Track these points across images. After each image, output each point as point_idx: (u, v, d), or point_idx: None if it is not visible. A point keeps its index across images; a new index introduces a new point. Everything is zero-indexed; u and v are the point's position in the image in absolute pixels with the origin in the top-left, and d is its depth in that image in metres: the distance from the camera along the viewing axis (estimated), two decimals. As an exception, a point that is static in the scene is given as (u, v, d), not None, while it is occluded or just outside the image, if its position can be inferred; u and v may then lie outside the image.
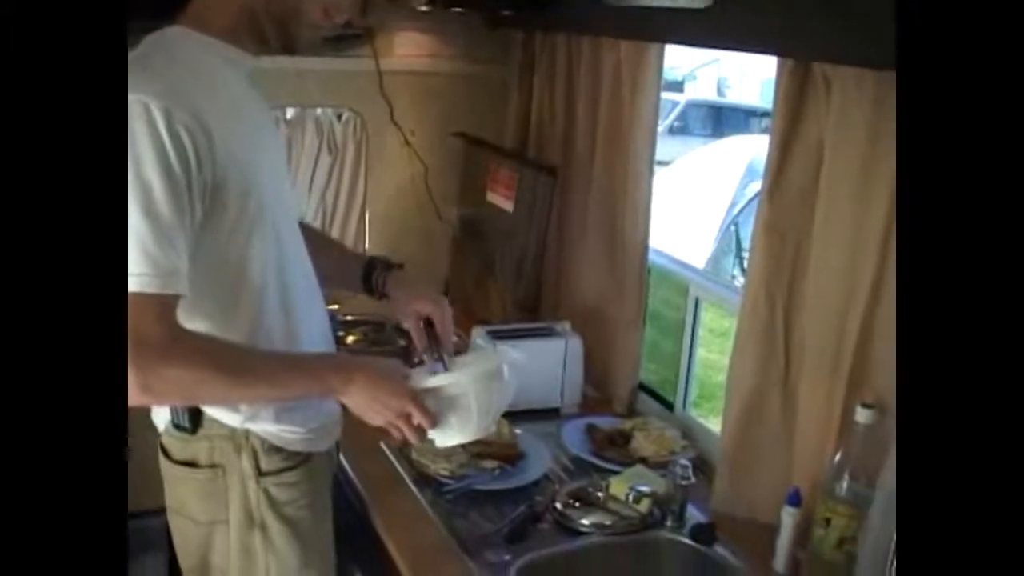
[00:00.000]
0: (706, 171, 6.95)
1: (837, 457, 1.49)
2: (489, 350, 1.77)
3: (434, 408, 1.39)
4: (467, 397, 1.39)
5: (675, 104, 11.00)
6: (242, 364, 1.32)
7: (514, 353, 1.55)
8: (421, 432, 1.40)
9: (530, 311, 2.50)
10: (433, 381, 1.41)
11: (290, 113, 2.63)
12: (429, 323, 1.57)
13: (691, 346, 2.20)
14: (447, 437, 1.44)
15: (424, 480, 1.82)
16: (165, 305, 1.22)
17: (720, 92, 13.68)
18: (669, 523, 1.70)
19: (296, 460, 1.47)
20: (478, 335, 2.13)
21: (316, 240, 1.60)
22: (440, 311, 1.57)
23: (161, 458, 1.48)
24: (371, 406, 1.37)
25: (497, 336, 2.12)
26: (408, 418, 1.38)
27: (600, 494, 1.75)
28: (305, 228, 1.57)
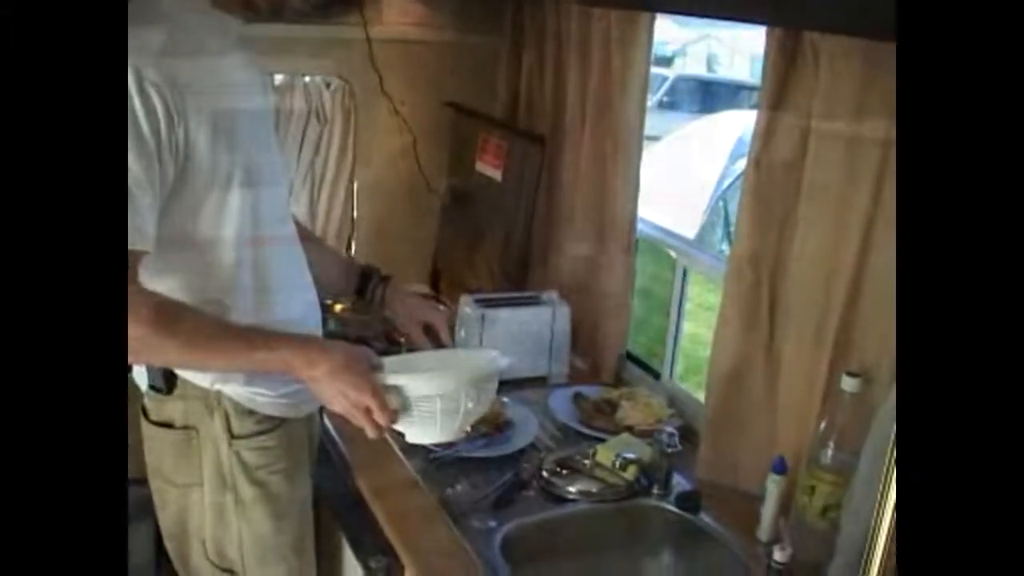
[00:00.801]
0: (695, 147, 6.91)
1: (822, 425, 1.50)
2: (476, 354, 1.76)
3: (397, 405, 1.35)
4: (431, 400, 1.35)
5: (665, 79, 10.95)
6: (199, 331, 1.30)
7: (493, 354, 1.49)
8: (379, 428, 1.35)
9: (518, 280, 2.50)
10: (395, 379, 1.36)
11: (278, 81, 2.60)
12: (427, 328, 1.74)
13: (678, 314, 2.20)
14: (412, 435, 1.42)
15: (411, 447, 1.82)
16: None
17: (710, 69, 13.61)
18: (655, 491, 1.71)
19: (270, 424, 1.47)
20: (466, 304, 2.13)
21: (309, 244, 1.62)
22: (441, 318, 1.76)
23: (141, 419, 1.48)
24: (331, 393, 1.33)
25: (485, 304, 2.12)
26: (367, 411, 1.33)
27: (587, 462, 1.76)
28: (299, 228, 1.57)
